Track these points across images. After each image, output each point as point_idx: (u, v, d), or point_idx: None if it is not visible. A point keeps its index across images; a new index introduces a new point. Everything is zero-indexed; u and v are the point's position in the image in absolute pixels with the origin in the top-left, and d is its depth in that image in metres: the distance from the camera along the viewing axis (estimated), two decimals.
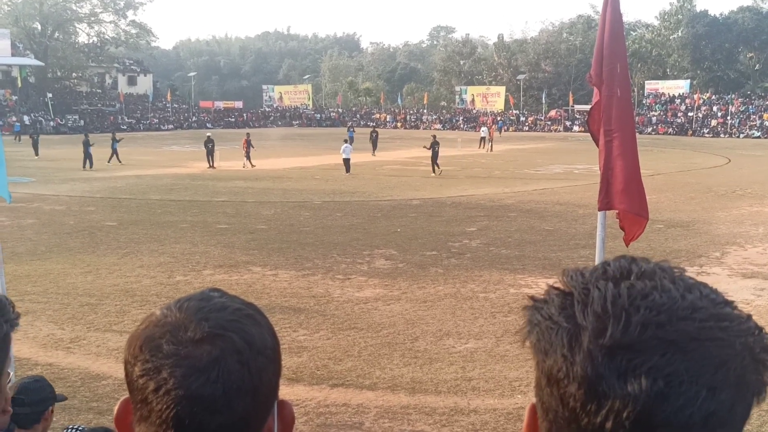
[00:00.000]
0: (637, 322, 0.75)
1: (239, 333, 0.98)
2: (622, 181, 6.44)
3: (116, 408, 1.01)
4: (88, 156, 33.46)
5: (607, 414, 0.74)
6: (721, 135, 67.72)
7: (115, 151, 36.42)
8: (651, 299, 0.77)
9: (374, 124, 73.09)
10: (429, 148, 31.42)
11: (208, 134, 37.20)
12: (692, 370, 0.73)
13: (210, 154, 34.42)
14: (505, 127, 72.46)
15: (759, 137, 64.95)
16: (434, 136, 32.31)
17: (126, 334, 9.99)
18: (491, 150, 45.96)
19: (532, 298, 0.84)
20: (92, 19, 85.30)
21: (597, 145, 6.64)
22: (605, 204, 6.58)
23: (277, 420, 1.05)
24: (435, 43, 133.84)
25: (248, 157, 34.49)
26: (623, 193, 6.46)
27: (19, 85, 71.86)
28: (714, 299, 0.79)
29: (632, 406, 0.72)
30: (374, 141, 44.35)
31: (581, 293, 0.80)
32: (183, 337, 0.97)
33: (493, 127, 58.01)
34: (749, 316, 0.79)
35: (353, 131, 48.21)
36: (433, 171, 30.66)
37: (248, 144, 34.96)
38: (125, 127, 74.61)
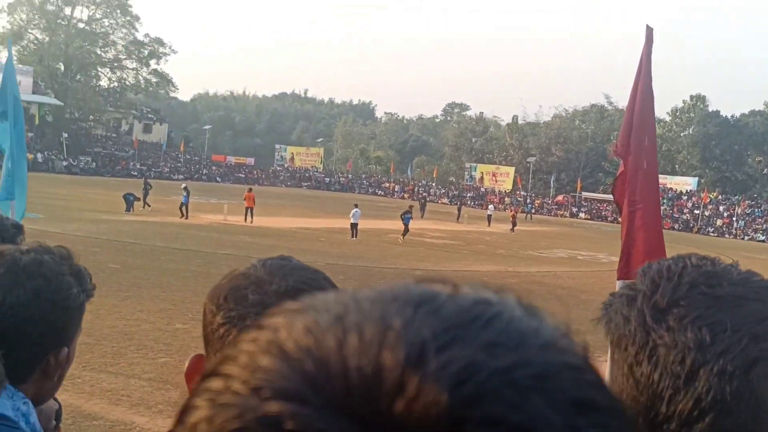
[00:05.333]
0: (686, 282, 0.82)
1: (320, 291, 1.02)
2: (642, 253, 6.47)
3: (187, 363, 1.05)
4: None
5: (656, 362, 0.80)
6: (726, 235, 67.95)
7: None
8: (703, 270, 0.84)
9: (424, 193, 77.64)
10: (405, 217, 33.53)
11: (183, 185, 36.87)
12: (735, 320, 0.78)
13: (184, 203, 33.66)
14: (534, 210, 72.14)
15: (764, 241, 65.15)
16: (411, 207, 36.18)
17: (121, 376, 9.90)
18: (513, 230, 44.96)
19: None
20: (115, 64, 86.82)
21: (620, 214, 6.71)
22: (624, 273, 6.61)
23: None
24: (448, 118, 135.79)
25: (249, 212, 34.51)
26: (643, 264, 6.48)
27: (36, 122, 72.76)
28: None
29: (678, 354, 0.78)
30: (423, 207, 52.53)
31: (643, 270, 0.90)
32: (268, 289, 1.02)
33: (513, 207, 59.79)
34: None
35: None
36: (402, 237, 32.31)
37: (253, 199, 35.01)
38: (135, 173, 75.27)
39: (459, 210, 55.89)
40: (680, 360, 0.77)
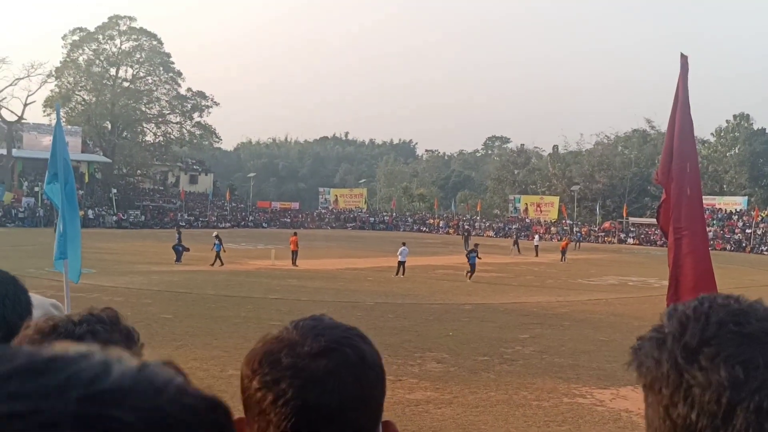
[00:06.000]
0: (714, 322, 0.83)
1: (353, 348, 1.08)
2: (692, 279, 6.44)
3: None
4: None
5: (692, 403, 0.80)
6: None
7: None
8: (730, 308, 0.86)
9: (467, 226, 77.18)
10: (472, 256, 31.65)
11: (214, 233, 36.81)
12: (767, 357, 0.78)
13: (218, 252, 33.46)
14: (581, 239, 70.41)
15: None
16: (477, 245, 34.05)
17: None
18: (564, 260, 44.79)
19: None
20: (160, 119, 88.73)
21: (667, 240, 6.70)
22: (674, 301, 6.56)
23: None
24: (489, 152, 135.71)
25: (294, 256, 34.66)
26: (693, 291, 6.45)
27: (86, 180, 74.60)
28: None
29: (713, 393, 0.78)
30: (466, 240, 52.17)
31: (669, 312, 0.91)
32: (300, 351, 1.05)
33: (564, 237, 59.47)
34: None
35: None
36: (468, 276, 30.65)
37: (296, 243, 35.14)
38: (184, 224, 76.53)
39: (516, 243, 53.20)
40: (716, 399, 0.78)
